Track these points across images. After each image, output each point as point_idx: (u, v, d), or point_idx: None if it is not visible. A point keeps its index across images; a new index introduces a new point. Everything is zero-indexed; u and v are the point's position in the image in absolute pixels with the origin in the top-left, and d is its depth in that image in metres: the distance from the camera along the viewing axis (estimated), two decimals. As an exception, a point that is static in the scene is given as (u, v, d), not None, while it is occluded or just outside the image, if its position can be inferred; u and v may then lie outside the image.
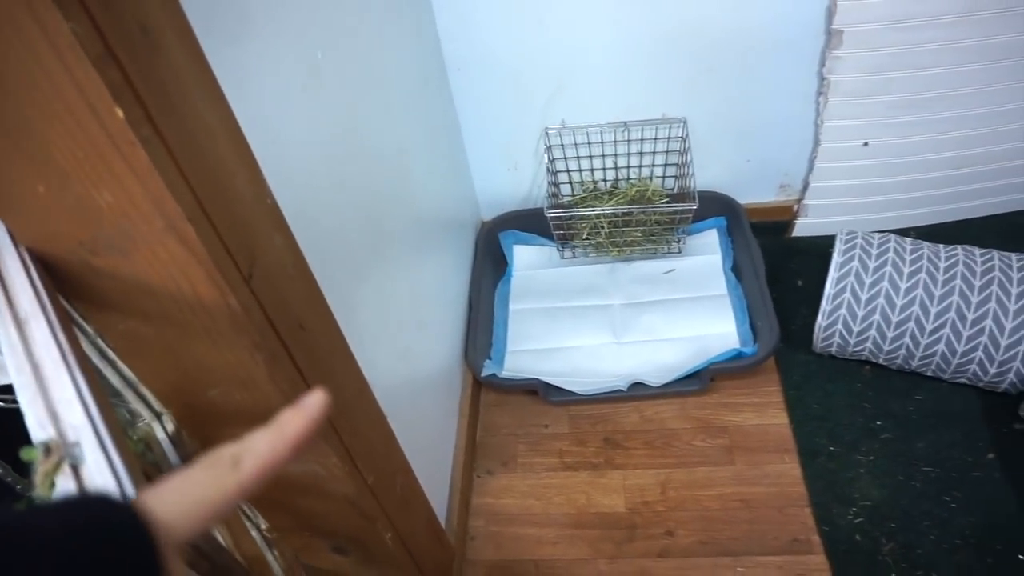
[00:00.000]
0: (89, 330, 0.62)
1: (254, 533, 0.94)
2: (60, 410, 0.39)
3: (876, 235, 1.33)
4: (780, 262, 1.56)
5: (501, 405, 1.44)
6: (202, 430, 0.73)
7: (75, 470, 0.36)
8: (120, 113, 0.44)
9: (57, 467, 0.36)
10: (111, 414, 0.41)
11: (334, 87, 0.84)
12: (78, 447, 0.37)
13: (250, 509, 0.88)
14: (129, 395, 0.73)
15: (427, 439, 1.17)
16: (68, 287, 0.56)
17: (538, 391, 1.38)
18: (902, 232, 1.55)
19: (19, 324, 0.45)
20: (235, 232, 0.55)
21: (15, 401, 0.48)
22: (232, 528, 0.69)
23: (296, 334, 0.65)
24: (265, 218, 0.60)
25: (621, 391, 1.35)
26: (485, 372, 1.37)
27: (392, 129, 1.07)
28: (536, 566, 1.21)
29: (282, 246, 0.63)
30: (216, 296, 0.55)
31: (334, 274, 0.80)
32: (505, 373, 1.40)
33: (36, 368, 0.41)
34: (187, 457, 0.75)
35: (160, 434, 0.77)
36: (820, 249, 1.53)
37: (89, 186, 0.48)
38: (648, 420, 1.37)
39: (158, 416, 0.77)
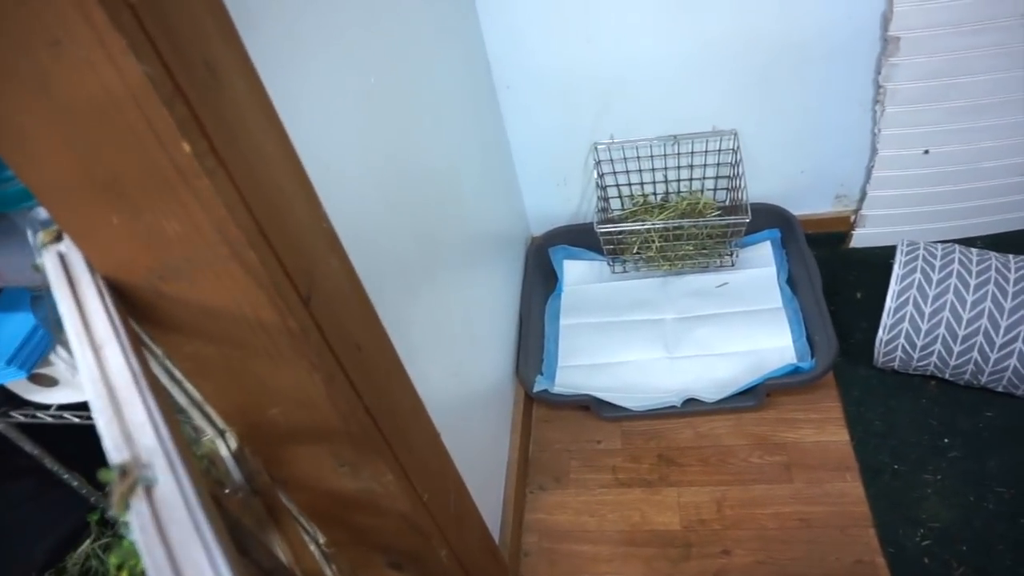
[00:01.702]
0: (158, 352, 0.65)
1: (312, 547, 0.96)
2: (134, 433, 0.41)
3: (940, 245, 1.28)
4: (838, 274, 1.52)
5: (553, 420, 1.43)
6: (264, 447, 0.76)
7: (148, 491, 0.38)
8: (187, 147, 0.46)
9: (132, 489, 0.37)
10: (180, 436, 0.42)
11: (386, 111, 0.86)
12: (151, 469, 0.38)
13: (309, 524, 0.90)
14: (194, 413, 0.76)
15: (480, 455, 1.17)
16: (138, 312, 0.58)
17: (590, 407, 1.38)
18: (967, 242, 1.50)
19: (96, 349, 0.48)
20: (294, 256, 0.57)
21: (89, 417, 0.51)
22: (292, 544, 0.70)
23: (352, 354, 0.67)
24: (322, 242, 0.62)
25: (675, 407, 1.33)
26: (537, 388, 1.38)
27: (443, 149, 1.09)
28: (590, 584, 1.20)
29: (338, 268, 0.65)
30: (276, 319, 0.57)
31: (388, 293, 0.82)
32: (557, 389, 1.40)
33: (112, 392, 0.44)
34: (250, 473, 0.78)
35: (223, 451, 0.80)
36: (880, 260, 1.49)
37: (159, 216, 0.50)
38: (703, 436, 1.34)
39: (221, 433, 0.79)
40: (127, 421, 0.41)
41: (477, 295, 1.27)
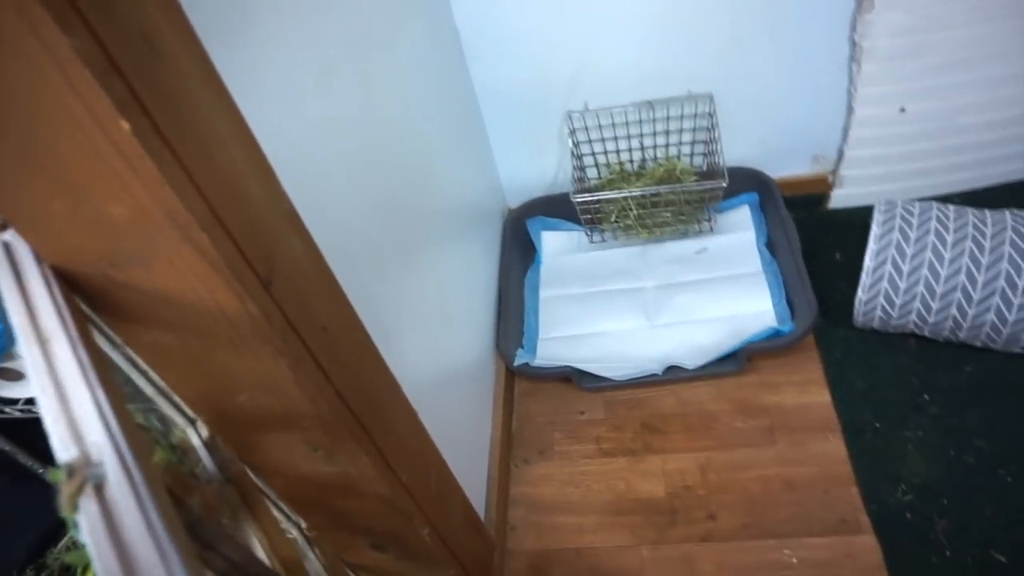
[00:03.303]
0: (119, 341, 0.63)
1: (294, 532, 0.95)
2: (83, 428, 0.39)
3: (917, 204, 1.28)
4: (816, 236, 1.51)
5: (535, 393, 1.43)
6: (235, 435, 0.74)
7: (98, 490, 0.36)
8: (126, 126, 0.43)
9: (81, 488, 0.36)
10: (133, 430, 0.41)
11: (349, 85, 0.83)
12: (100, 466, 0.37)
13: (288, 509, 0.89)
14: (162, 403, 0.74)
15: (461, 432, 1.17)
16: (93, 301, 0.56)
17: (572, 378, 1.37)
18: (944, 199, 1.50)
19: (42, 343, 0.46)
20: (252, 238, 0.55)
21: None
22: (268, 532, 0.69)
23: (319, 336, 0.65)
24: (282, 222, 0.60)
25: (657, 375, 1.33)
26: (518, 361, 1.37)
27: (412, 123, 1.06)
28: (578, 554, 1.20)
29: (301, 249, 0.63)
30: (236, 304, 0.55)
31: (357, 273, 0.80)
32: (538, 361, 1.39)
33: (58, 386, 0.42)
34: (222, 462, 0.76)
35: (195, 440, 0.78)
36: (858, 221, 1.48)
37: (104, 200, 0.48)
38: (685, 403, 1.34)
39: (192, 422, 0.77)
40: (75, 417, 0.39)
41: (453, 270, 1.25)
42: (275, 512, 0.91)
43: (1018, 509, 1.10)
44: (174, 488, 0.63)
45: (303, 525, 0.92)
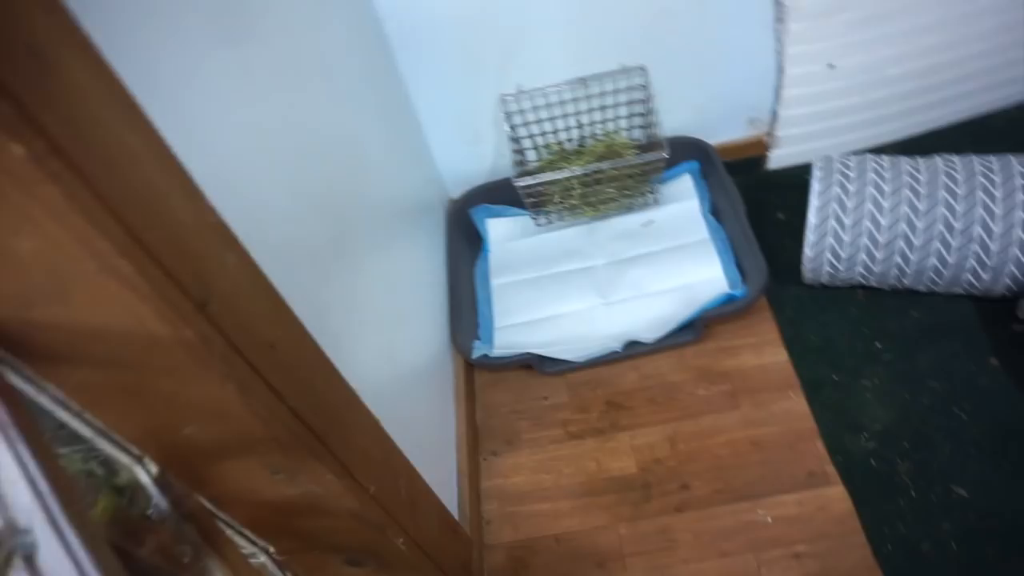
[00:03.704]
0: (47, 385, 0.58)
1: (263, 558, 0.91)
2: (6, 493, 0.35)
3: (853, 157, 1.29)
4: (758, 198, 1.52)
5: (497, 384, 1.41)
6: (188, 469, 0.70)
7: (29, 560, 0.32)
8: (19, 150, 0.39)
9: (8, 562, 0.32)
10: (68, 486, 0.37)
11: (269, 85, 0.79)
12: (30, 534, 0.33)
13: (254, 536, 0.85)
14: (103, 444, 0.69)
15: (426, 432, 1.14)
16: (11, 345, 0.51)
17: (533, 365, 1.35)
18: (878, 150, 1.52)
19: (-48, 400, 0.41)
20: (179, 259, 0.51)
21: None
22: (234, 566, 0.65)
23: (266, 355, 0.61)
24: (212, 238, 0.56)
25: (617, 352, 1.32)
26: (476, 353, 1.34)
27: (340, 120, 1.02)
28: (557, 540, 1.19)
29: (236, 265, 0.59)
30: (169, 331, 0.51)
31: (300, 282, 0.76)
32: (496, 351, 1.36)
33: (-25, 449, 0.37)
34: (176, 498, 0.72)
35: (144, 479, 0.73)
36: (797, 179, 1.50)
37: (6, 235, 0.43)
38: (647, 377, 1.34)
39: (139, 460, 0.73)
40: (-3, 481, 0.35)
41: (400, 267, 1.21)
42: (241, 541, 0.87)
43: (974, 444, 1.14)
44: (124, 536, 0.59)
45: (271, 550, 0.89)
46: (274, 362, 0.62)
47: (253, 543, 0.88)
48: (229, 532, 0.85)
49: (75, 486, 0.38)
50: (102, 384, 0.57)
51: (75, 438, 0.69)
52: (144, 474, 0.73)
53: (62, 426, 0.67)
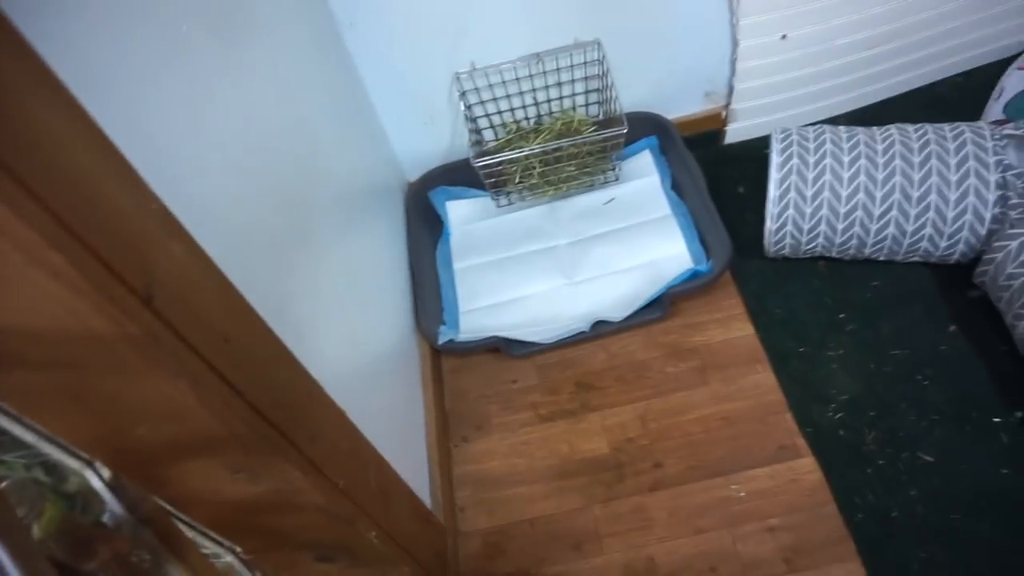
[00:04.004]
0: (-23, 391, 0.54)
1: (229, 558, 0.87)
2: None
3: (810, 128, 1.29)
4: (718, 172, 1.52)
5: (465, 369, 1.38)
6: (142, 471, 0.66)
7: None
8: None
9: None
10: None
11: (210, 65, 0.74)
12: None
13: (217, 537, 0.81)
14: (49, 448, 0.65)
15: (394, 421, 1.11)
16: (-67, 350, 0.47)
17: (500, 348, 1.33)
18: (833, 121, 1.54)
19: None
20: (119, 250, 0.47)
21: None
22: (196, 570, 0.62)
23: (221, 349, 0.58)
24: (154, 227, 0.52)
25: (584, 332, 1.31)
26: (442, 339, 1.31)
27: (288, 102, 0.97)
28: (532, 524, 1.18)
29: (183, 254, 0.55)
30: (112, 327, 0.47)
31: (256, 272, 0.72)
32: (462, 336, 1.34)
33: None
34: (132, 503, 0.68)
35: (96, 483, 0.69)
36: (756, 152, 1.50)
37: (-83, 229, 0.39)
38: (615, 356, 1.33)
39: (89, 464, 0.69)
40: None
41: (361, 254, 1.17)
42: (204, 542, 0.84)
43: (936, 409, 1.15)
44: (74, 546, 0.55)
45: (238, 550, 0.85)
46: (230, 356, 0.59)
47: (218, 543, 0.84)
48: (192, 533, 0.82)
49: (5, 501, 0.35)
50: (42, 386, 0.53)
51: (16, 444, 0.65)
52: (95, 479, 0.69)
53: (2, 432, 0.62)
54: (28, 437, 0.62)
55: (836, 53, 1.45)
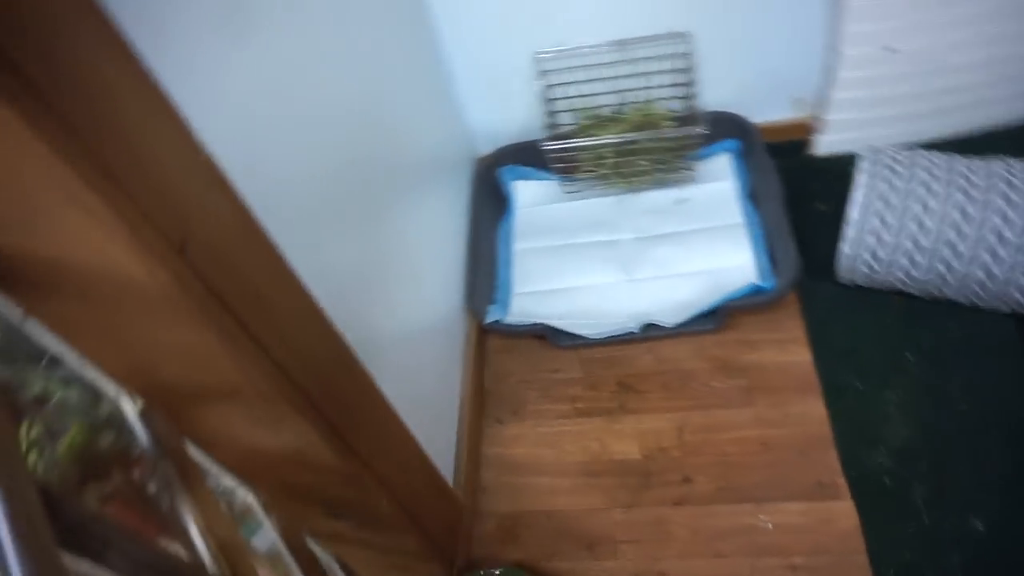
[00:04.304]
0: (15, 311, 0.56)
1: (249, 498, 0.90)
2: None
3: (904, 152, 1.21)
4: (799, 185, 1.44)
5: (510, 351, 1.38)
6: (171, 407, 0.68)
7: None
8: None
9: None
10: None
11: (273, 16, 0.74)
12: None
13: (238, 480, 0.84)
14: (90, 371, 0.68)
15: (428, 393, 1.12)
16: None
17: (546, 336, 1.32)
18: (934, 145, 1.43)
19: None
20: (156, 198, 0.48)
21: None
22: (206, 512, 0.64)
23: (252, 305, 0.58)
24: (197, 179, 0.53)
25: (633, 332, 1.28)
26: (489, 318, 1.31)
27: (366, 72, 0.97)
28: (548, 517, 1.17)
29: (224, 208, 0.56)
30: (143, 272, 0.48)
31: (304, 234, 0.73)
32: (510, 318, 1.33)
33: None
34: (158, 436, 0.70)
35: (129, 412, 0.72)
36: (843, 168, 1.41)
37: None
38: (663, 361, 1.30)
39: (125, 394, 0.71)
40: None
41: (419, 224, 1.17)
42: (228, 480, 0.86)
43: (998, 475, 1.07)
44: (89, 470, 0.57)
45: (256, 494, 0.88)
46: (260, 313, 0.59)
47: (243, 483, 0.87)
48: (215, 469, 0.84)
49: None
50: (79, 317, 0.55)
51: (56, 364, 0.68)
52: (129, 407, 0.72)
53: (41, 352, 0.65)
54: (70, 358, 0.65)
55: (947, 72, 1.35)
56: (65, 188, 0.42)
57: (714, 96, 1.43)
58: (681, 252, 1.39)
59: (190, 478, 0.67)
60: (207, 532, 0.62)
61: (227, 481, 0.87)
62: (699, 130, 1.30)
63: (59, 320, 0.56)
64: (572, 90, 1.44)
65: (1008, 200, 1.11)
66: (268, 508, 0.90)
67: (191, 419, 0.70)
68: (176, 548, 0.58)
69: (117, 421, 0.74)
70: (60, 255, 0.47)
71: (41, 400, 0.66)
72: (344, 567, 1.10)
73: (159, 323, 0.54)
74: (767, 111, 1.49)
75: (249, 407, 0.64)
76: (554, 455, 1.23)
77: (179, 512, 0.64)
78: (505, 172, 1.55)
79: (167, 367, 0.60)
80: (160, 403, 0.68)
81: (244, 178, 0.59)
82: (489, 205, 1.51)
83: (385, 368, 0.88)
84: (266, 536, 0.91)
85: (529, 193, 1.55)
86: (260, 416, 0.66)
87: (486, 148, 1.58)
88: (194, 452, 0.77)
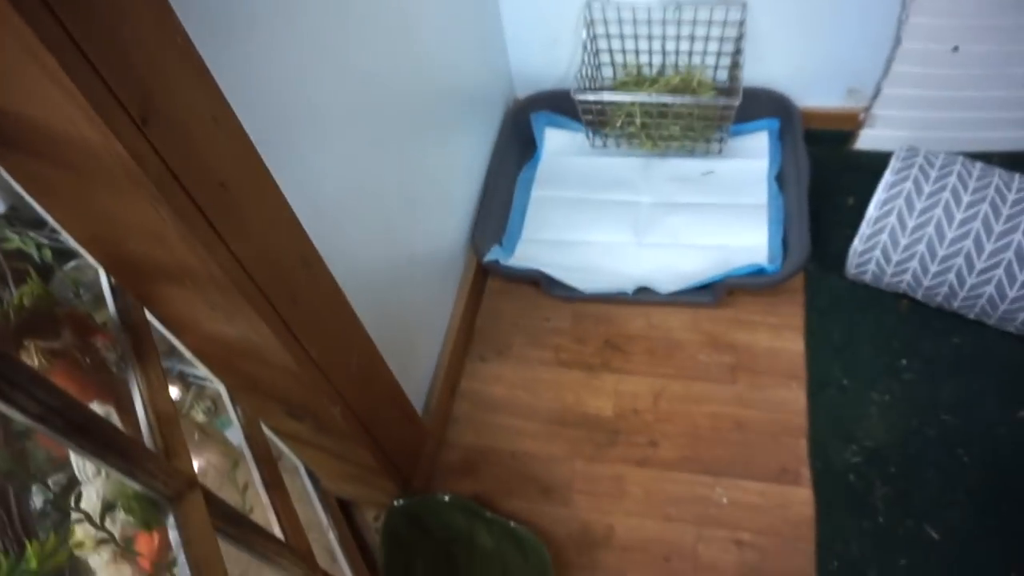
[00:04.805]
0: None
1: (219, 386, 0.95)
2: None
3: (941, 155, 1.17)
4: (834, 176, 1.40)
5: (507, 293, 1.39)
6: (133, 282, 0.72)
7: None
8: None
9: None
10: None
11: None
12: None
13: (206, 367, 0.88)
14: (69, 238, 0.71)
15: (412, 320, 1.14)
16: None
17: (540, 283, 1.33)
18: (985, 157, 1.37)
19: None
20: (119, 68, 0.49)
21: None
22: (152, 386, 0.67)
23: (214, 192, 0.60)
24: (170, 57, 0.54)
25: (625, 294, 1.28)
26: (489, 257, 1.32)
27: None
28: (513, 456, 1.20)
29: (196, 92, 0.57)
30: (102, 141, 0.51)
31: (289, 137, 0.74)
32: (510, 261, 1.34)
33: None
34: (124, 308, 0.74)
35: (104, 279, 0.76)
36: (880, 165, 1.35)
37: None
38: (655, 327, 1.30)
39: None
40: None
41: (438, 154, 1.18)
42: (201, 367, 0.91)
43: (966, 490, 1.06)
44: (40, 324, 0.61)
45: (224, 383, 0.92)
46: (221, 202, 0.61)
47: (210, 373, 0.91)
48: (189, 355, 0.89)
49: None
50: (52, 180, 0.58)
51: (39, 223, 0.72)
52: (104, 275, 0.76)
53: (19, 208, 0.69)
54: (50, 219, 0.69)
55: (1009, 82, 1.28)
56: (25, 46, 0.44)
57: (764, 72, 1.39)
58: (696, 224, 1.37)
59: (144, 353, 0.71)
60: (149, 406, 0.66)
61: (200, 368, 0.91)
62: (731, 101, 1.27)
63: (32, 182, 0.59)
64: (618, 43, 1.41)
65: (1036, 220, 1.06)
66: (235, 399, 0.94)
67: (155, 298, 0.73)
68: (108, 411, 0.62)
69: (93, 288, 0.78)
70: (27, 111, 0.50)
71: (21, 256, 0.70)
72: (309, 471, 1.15)
73: (119, 194, 0.56)
74: (818, 96, 1.43)
75: (206, 292, 0.67)
76: (529, 399, 1.25)
77: (128, 384, 0.68)
78: (538, 117, 1.54)
79: (130, 241, 0.63)
80: (123, 277, 0.72)
81: (226, 69, 0.60)
82: (515, 148, 1.51)
83: (364, 286, 0.91)
84: (238, 432, 0.96)
85: (558, 141, 1.54)
86: (216, 303, 0.69)
87: (524, 91, 1.57)
88: (166, 334, 0.82)
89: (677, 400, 1.21)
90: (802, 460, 1.12)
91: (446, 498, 1.08)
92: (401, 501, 1.08)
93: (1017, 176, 1.13)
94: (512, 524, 1.05)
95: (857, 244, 1.18)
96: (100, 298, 0.77)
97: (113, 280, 0.74)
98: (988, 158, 1.37)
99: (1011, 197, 1.09)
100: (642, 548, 1.08)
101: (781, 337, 1.25)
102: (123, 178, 0.54)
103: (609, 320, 1.32)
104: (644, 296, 1.28)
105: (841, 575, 1.02)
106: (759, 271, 1.23)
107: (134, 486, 0.55)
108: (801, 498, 1.09)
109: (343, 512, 1.15)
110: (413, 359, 1.13)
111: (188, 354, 0.88)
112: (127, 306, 0.73)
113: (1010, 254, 1.07)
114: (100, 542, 0.55)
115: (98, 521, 0.56)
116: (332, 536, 1.08)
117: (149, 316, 0.76)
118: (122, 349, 0.69)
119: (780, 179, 1.38)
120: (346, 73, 0.86)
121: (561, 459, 1.18)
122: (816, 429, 1.15)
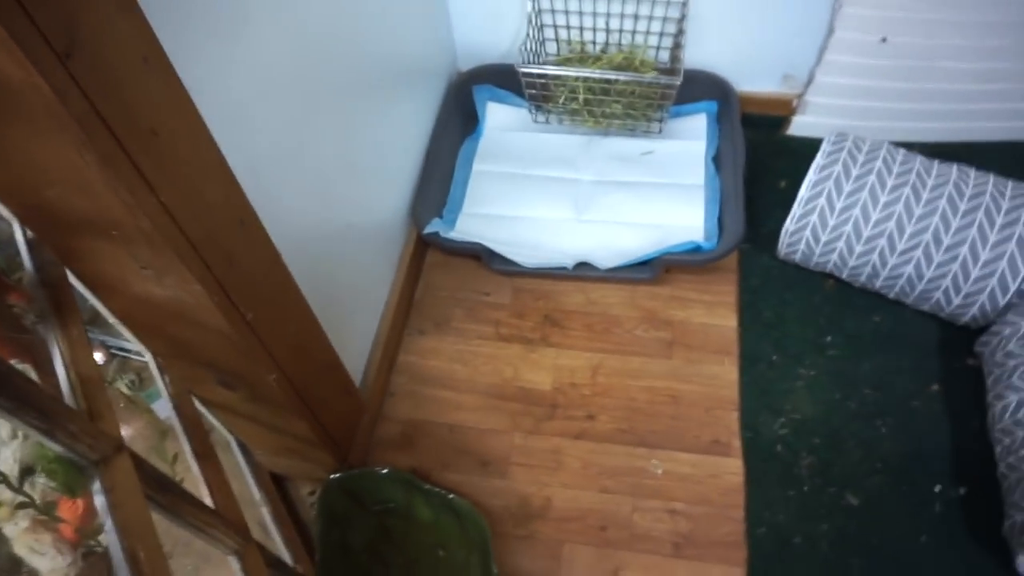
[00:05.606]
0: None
1: (147, 358, 0.90)
2: None
3: (868, 141, 1.21)
4: (767, 160, 1.44)
5: (445, 267, 1.38)
6: (52, 235, 0.67)
7: None
8: None
9: None
10: None
11: None
12: None
13: (130, 331, 0.84)
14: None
15: (350, 291, 1.11)
16: None
17: (482, 257, 1.32)
18: (910, 147, 1.43)
19: None
20: (41, -4, 0.46)
21: None
22: (73, 346, 0.63)
23: (143, 139, 0.57)
24: (97, -10, 0.51)
25: (566, 269, 1.28)
26: (429, 229, 1.30)
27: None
28: (451, 429, 1.19)
29: (127, 29, 0.54)
30: (20, 74, 0.47)
31: (224, 86, 0.71)
32: (451, 234, 1.32)
33: None
34: (42, 263, 0.70)
35: (19, 235, 0.71)
36: (812, 151, 1.40)
37: None
38: (593, 303, 1.31)
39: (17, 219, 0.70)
40: None
41: (378, 124, 1.15)
42: (129, 337, 0.86)
43: (883, 459, 1.11)
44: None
45: (152, 351, 0.88)
46: (151, 149, 0.58)
47: (140, 342, 0.87)
48: (113, 321, 0.84)
49: None
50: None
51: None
52: (19, 231, 0.71)
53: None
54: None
55: (936, 75, 1.34)
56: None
57: (705, 55, 1.41)
58: (635, 202, 1.38)
59: (65, 312, 0.67)
60: (71, 367, 0.62)
61: (129, 338, 0.87)
62: (671, 81, 1.28)
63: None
64: (562, 19, 1.41)
65: (953, 205, 1.12)
66: (163, 369, 0.90)
67: (77, 254, 0.69)
68: (26, 369, 0.58)
69: (6, 244, 0.73)
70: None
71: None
72: (241, 445, 1.12)
73: (38, 135, 0.52)
74: (756, 81, 1.47)
75: (134, 247, 0.64)
76: (467, 373, 1.25)
77: (48, 345, 0.64)
78: (480, 91, 1.52)
79: (49, 188, 0.59)
80: (41, 230, 0.67)
81: (161, 11, 0.57)
82: (457, 121, 1.49)
83: (301, 253, 0.88)
84: (166, 405, 0.91)
85: (500, 116, 1.53)
86: (146, 260, 0.65)
87: (467, 64, 1.55)
88: (89, 298, 0.77)
89: (614, 375, 1.23)
90: (733, 432, 1.16)
91: (384, 471, 1.06)
92: (338, 475, 1.05)
93: (936, 163, 1.19)
94: (451, 495, 1.05)
95: (789, 224, 1.22)
96: (15, 255, 0.72)
97: (29, 233, 0.69)
98: (914, 148, 1.44)
99: (930, 182, 1.15)
100: (579, 518, 1.10)
101: (715, 314, 1.28)
102: (43, 117, 0.50)
103: (548, 296, 1.32)
104: (583, 272, 1.29)
105: (768, 540, 1.05)
106: (695, 248, 1.26)
107: (55, 447, 0.52)
108: (731, 468, 1.13)
109: (277, 488, 1.12)
110: (350, 331, 1.11)
111: (112, 320, 0.84)
112: (45, 262, 0.68)
113: (928, 236, 1.12)
114: (19, 506, 0.52)
115: (16, 485, 0.53)
116: (265, 511, 1.05)
117: (71, 277, 0.72)
118: (40, 308, 0.64)
119: (717, 160, 1.41)
120: (287, 30, 0.83)
121: (499, 432, 1.18)
122: (747, 402, 1.18)
